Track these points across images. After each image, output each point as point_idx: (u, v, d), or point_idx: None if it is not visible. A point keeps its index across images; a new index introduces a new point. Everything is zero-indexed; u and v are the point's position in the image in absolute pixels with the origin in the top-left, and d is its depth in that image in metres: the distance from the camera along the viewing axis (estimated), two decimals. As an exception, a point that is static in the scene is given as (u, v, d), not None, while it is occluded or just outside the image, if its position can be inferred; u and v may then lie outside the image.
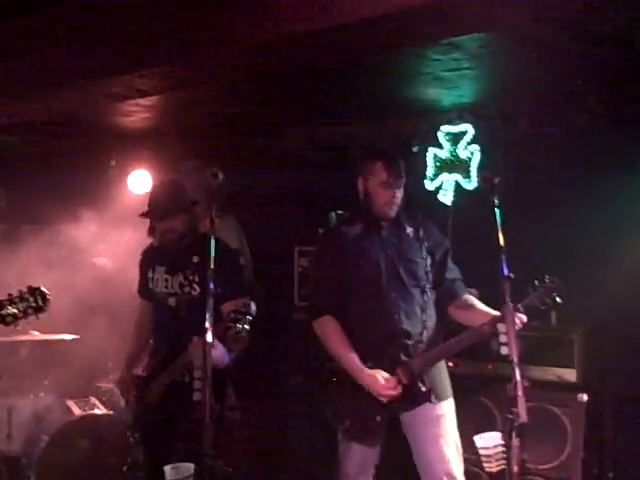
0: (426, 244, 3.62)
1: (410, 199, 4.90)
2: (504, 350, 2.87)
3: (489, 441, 3.11)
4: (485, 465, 3.14)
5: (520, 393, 2.73)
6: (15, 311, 3.10)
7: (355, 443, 3.53)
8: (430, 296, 3.60)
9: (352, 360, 3.47)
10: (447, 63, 3.90)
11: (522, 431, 2.72)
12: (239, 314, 3.33)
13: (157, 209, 3.98)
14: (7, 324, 3.11)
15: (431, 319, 3.59)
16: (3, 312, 3.09)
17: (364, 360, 3.47)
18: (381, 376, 3.41)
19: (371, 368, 3.45)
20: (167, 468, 3.12)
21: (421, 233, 3.64)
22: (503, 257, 2.91)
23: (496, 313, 3.33)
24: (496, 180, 3.02)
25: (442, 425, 3.53)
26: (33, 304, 3.10)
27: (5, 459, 4.93)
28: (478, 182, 4.71)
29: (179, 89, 3.64)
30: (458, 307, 3.63)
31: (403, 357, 3.45)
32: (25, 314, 3.11)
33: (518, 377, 2.76)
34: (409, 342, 3.50)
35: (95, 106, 4.20)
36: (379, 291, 3.53)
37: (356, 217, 3.67)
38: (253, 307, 3.31)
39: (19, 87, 3.53)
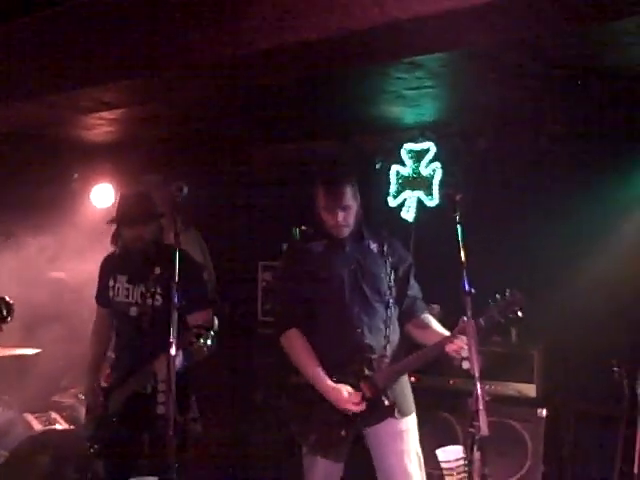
0: (390, 259, 3.64)
1: (371, 215, 5.01)
2: (465, 365, 2.91)
3: (450, 454, 3.15)
4: (447, 478, 3.17)
5: (481, 407, 2.77)
6: None
7: (320, 457, 3.53)
8: (393, 311, 3.62)
9: (317, 374, 3.48)
10: (410, 81, 3.96)
11: (483, 445, 2.77)
12: (202, 329, 3.33)
13: (128, 215, 3.96)
14: None
15: (395, 333, 3.61)
16: None
17: (329, 374, 3.48)
18: (346, 390, 3.43)
19: (336, 382, 3.46)
20: (133, 481, 3.11)
21: (385, 249, 3.66)
22: (464, 272, 2.96)
23: (447, 334, 3.42)
24: (458, 197, 3.07)
25: (405, 440, 3.54)
26: None
27: (-37, 475, 4.85)
28: (440, 199, 4.78)
29: (144, 103, 3.65)
30: (415, 326, 3.67)
31: (367, 371, 3.47)
32: None
33: (479, 391, 2.80)
34: (372, 356, 3.51)
35: (60, 118, 4.18)
36: (342, 306, 3.55)
37: (320, 233, 3.69)
38: (216, 322, 3.32)
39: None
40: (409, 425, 3.58)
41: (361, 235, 3.67)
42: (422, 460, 3.60)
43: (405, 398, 3.60)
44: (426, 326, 3.63)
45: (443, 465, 3.16)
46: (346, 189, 3.55)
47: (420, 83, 3.97)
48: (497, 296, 3.29)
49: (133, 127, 5.12)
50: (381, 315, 3.58)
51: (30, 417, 4.98)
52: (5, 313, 3.06)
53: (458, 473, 3.09)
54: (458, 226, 3.03)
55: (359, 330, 3.52)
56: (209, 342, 3.27)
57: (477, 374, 2.84)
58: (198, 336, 3.29)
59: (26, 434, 4.80)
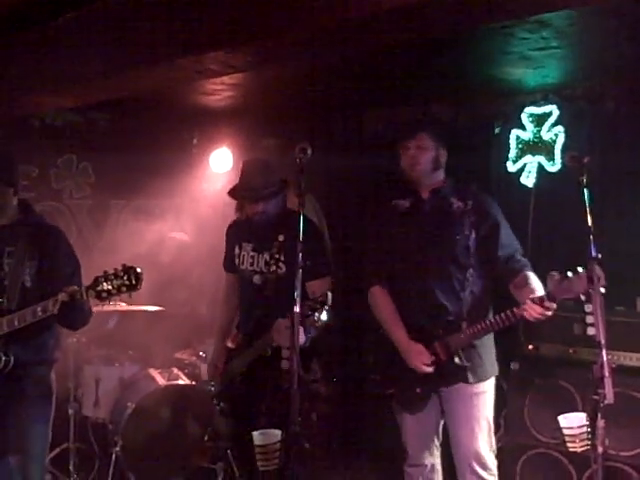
0: (472, 218, 3.53)
1: (489, 181, 4.92)
2: (591, 331, 2.84)
3: (574, 421, 3.07)
4: (569, 445, 3.10)
5: (607, 374, 2.71)
6: (110, 288, 3.16)
7: (406, 414, 3.60)
8: (473, 272, 3.53)
9: (396, 329, 3.54)
10: (535, 42, 3.83)
11: (608, 413, 2.71)
12: (317, 304, 3.38)
13: (250, 191, 3.95)
14: (101, 300, 3.20)
15: (473, 296, 3.53)
16: (99, 288, 3.17)
17: (407, 331, 3.52)
18: (419, 350, 3.45)
19: (413, 339, 3.49)
20: (255, 434, 3.20)
21: (469, 206, 3.56)
22: (591, 238, 2.88)
23: (541, 294, 3.28)
24: (585, 159, 2.98)
25: (476, 405, 3.52)
26: (127, 282, 3.16)
27: (93, 425, 5.13)
28: (564, 163, 4.62)
29: (269, 66, 3.69)
30: (514, 286, 3.52)
31: (441, 333, 3.46)
32: (119, 291, 3.17)
33: (605, 358, 2.74)
34: (448, 318, 3.49)
35: (185, 83, 4.29)
36: (419, 265, 3.53)
37: (404, 192, 3.67)
38: (330, 297, 3.35)
39: (111, 63, 3.63)
40: (483, 389, 3.55)
41: (444, 193, 3.61)
42: (492, 427, 3.58)
43: (482, 362, 3.54)
44: (523, 285, 3.46)
45: (565, 432, 3.09)
46: (424, 132, 3.56)
47: (546, 43, 3.84)
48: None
49: (252, 92, 5.18)
50: (457, 276, 3.52)
51: (154, 372, 5.19)
52: (134, 282, 3.17)
53: (581, 440, 3.02)
54: (585, 190, 2.94)
55: (435, 291, 3.50)
56: (323, 317, 3.31)
57: (603, 340, 2.78)
58: (313, 309, 3.34)
59: (151, 388, 5.03)
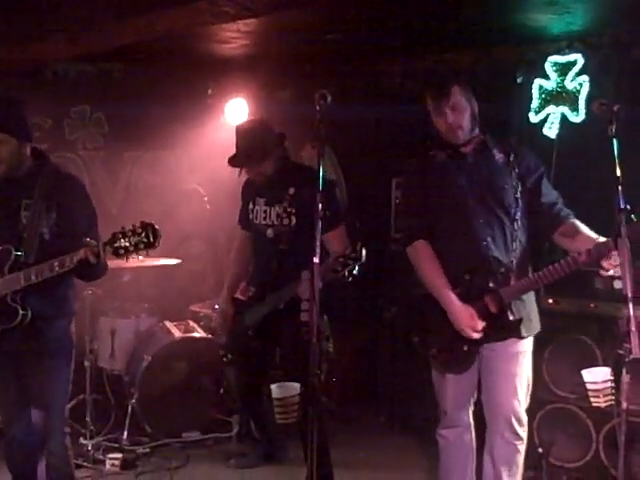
0: (517, 170, 3.43)
1: (511, 131, 4.81)
2: (617, 284, 2.78)
3: (598, 376, 3.03)
4: (592, 400, 3.06)
5: (633, 328, 2.65)
6: (127, 245, 3.11)
7: (448, 376, 3.50)
8: (520, 224, 3.44)
9: (442, 288, 3.40)
10: (562, -15, 3.72)
11: (634, 367, 2.65)
12: (349, 259, 3.31)
13: (244, 158, 4.09)
14: (119, 256, 3.15)
15: (521, 247, 3.44)
16: (116, 244, 3.12)
17: (453, 286, 3.40)
18: (470, 314, 3.33)
19: (459, 295, 3.37)
20: (273, 387, 3.18)
21: (512, 159, 3.45)
22: (619, 189, 2.79)
23: (601, 239, 3.16)
24: (615, 108, 2.88)
25: (520, 363, 3.45)
26: (145, 240, 3.10)
27: (109, 376, 5.14)
28: (592, 111, 4.50)
29: (286, 8, 3.57)
30: (562, 234, 3.42)
31: (492, 285, 3.35)
32: (136, 248, 3.11)
33: (632, 312, 2.67)
34: (499, 270, 3.38)
35: (200, 28, 4.18)
36: (466, 217, 3.42)
37: (443, 144, 3.55)
38: (364, 253, 3.28)
39: (126, 7, 3.54)
40: (526, 347, 3.48)
41: (484, 145, 3.51)
42: (531, 385, 3.51)
43: (530, 317, 3.45)
44: (575, 232, 3.36)
45: (589, 387, 3.05)
46: (453, 88, 3.38)
47: (573, -13, 3.71)
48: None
49: (267, 41, 5.08)
50: (507, 228, 3.42)
51: (170, 324, 5.20)
52: (152, 239, 3.11)
53: (605, 395, 2.97)
54: (614, 140, 2.84)
55: (485, 242, 3.39)
56: (355, 272, 3.25)
57: (630, 294, 2.71)
58: (345, 265, 3.28)
59: (167, 340, 5.04)
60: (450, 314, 3.37)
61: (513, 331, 3.39)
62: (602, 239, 3.17)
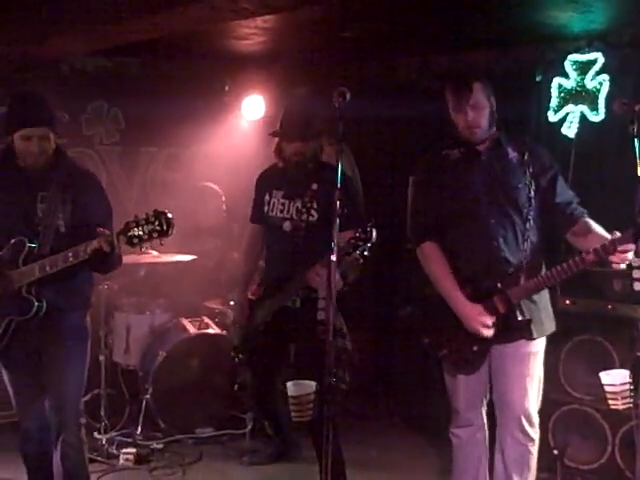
0: (531, 169, 3.40)
1: (529, 130, 4.77)
2: (637, 286, 2.75)
3: (616, 378, 2.99)
4: (610, 402, 3.03)
5: (653, 331, 2.63)
6: (141, 233, 3.09)
7: (459, 376, 3.49)
8: (533, 224, 3.41)
9: (451, 288, 3.39)
10: (583, -16, 3.68)
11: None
12: (360, 241, 3.30)
13: (292, 129, 3.96)
14: (133, 245, 3.14)
15: (533, 247, 3.41)
16: (130, 233, 3.10)
17: (462, 287, 3.38)
18: (479, 312, 3.32)
19: (468, 296, 3.36)
20: (289, 384, 3.16)
21: (526, 157, 3.42)
22: (640, 189, 2.77)
23: (607, 236, 3.14)
24: (636, 107, 2.84)
25: (531, 364, 3.43)
26: (158, 228, 3.09)
27: (123, 371, 5.15)
28: (612, 110, 4.46)
29: (306, 5, 3.56)
30: (575, 234, 3.40)
31: (501, 285, 3.33)
32: (150, 237, 3.10)
33: (651, 313, 2.65)
34: (508, 270, 3.36)
35: (218, 24, 4.17)
36: (478, 217, 3.40)
37: (456, 142, 3.52)
38: (374, 234, 3.28)
39: (145, 2, 3.54)
40: (538, 348, 3.45)
41: (499, 143, 3.47)
42: (542, 386, 3.49)
43: (541, 318, 3.42)
44: (587, 231, 3.34)
45: (607, 389, 3.02)
46: (474, 86, 3.35)
47: (594, -15, 3.67)
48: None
49: (285, 38, 5.07)
50: (519, 228, 3.39)
51: (185, 320, 5.20)
52: (165, 227, 3.09)
53: (623, 398, 2.94)
54: (635, 139, 2.81)
55: (495, 243, 3.37)
56: (366, 253, 3.24)
57: (649, 297, 2.69)
58: (355, 247, 3.27)
59: (182, 336, 5.04)
60: (459, 315, 3.36)
61: (523, 332, 3.37)
62: (608, 235, 3.15)
